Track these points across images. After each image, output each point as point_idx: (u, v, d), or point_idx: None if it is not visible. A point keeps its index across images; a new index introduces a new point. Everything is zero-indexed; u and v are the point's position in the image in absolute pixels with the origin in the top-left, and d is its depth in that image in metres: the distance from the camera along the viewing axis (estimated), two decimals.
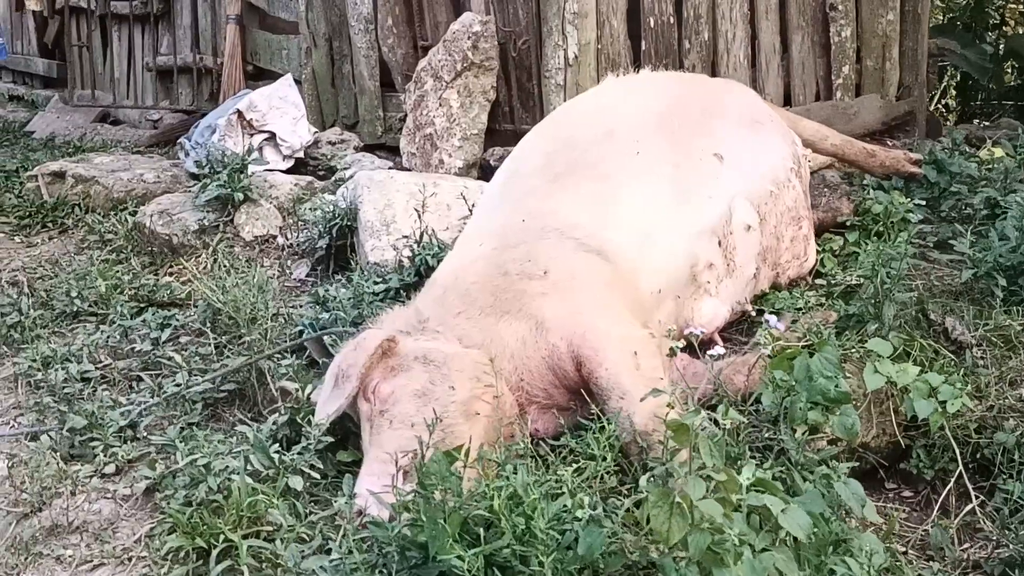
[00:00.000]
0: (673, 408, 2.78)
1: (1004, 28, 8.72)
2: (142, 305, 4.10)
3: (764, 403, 2.81)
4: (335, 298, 3.58)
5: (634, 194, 3.21)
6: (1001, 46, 8.37)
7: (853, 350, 3.19)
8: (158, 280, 4.35)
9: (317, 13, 5.88)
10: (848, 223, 4.06)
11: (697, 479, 2.02)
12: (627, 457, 2.73)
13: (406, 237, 3.89)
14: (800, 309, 3.40)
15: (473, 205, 3.85)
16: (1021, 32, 8.60)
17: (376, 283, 3.66)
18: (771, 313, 2.91)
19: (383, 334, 2.86)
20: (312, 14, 5.90)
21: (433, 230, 3.84)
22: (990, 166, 4.73)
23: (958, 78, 8.39)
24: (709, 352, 2.66)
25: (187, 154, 5.56)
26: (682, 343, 2.68)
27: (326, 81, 5.94)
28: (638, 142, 3.32)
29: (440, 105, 4.74)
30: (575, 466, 2.60)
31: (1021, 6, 8.98)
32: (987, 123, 7.23)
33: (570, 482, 2.34)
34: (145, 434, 3.10)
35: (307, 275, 4.37)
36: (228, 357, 3.44)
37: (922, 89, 5.75)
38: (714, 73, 5.12)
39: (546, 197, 3.20)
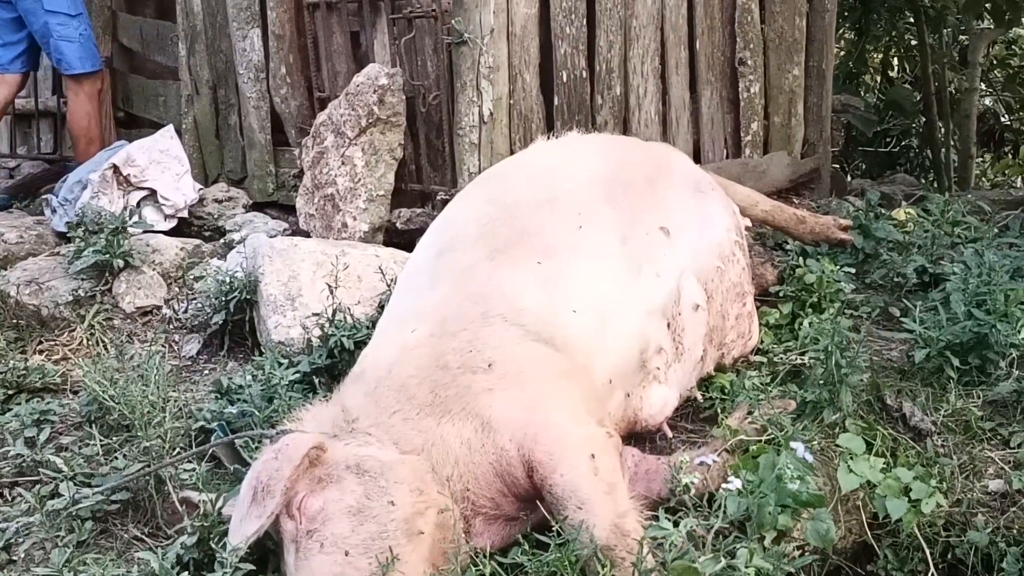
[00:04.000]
0: (636, 519, 2.54)
1: (887, 76, 8.88)
2: (10, 392, 3.59)
3: (730, 509, 2.58)
4: (240, 387, 3.18)
5: (582, 273, 2.90)
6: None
7: (813, 441, 2.98)
8: (27, 360, 3.84)
9: (200, 59, 5.42)
10: (780, 293, 3.87)
11: None
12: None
13: (316, 315, 3.51)
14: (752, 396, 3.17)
15: (392, 280, 3.50)
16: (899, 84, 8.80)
17: (285, 367, 3.26)
18: (796, 442, 2.68)
19: (309, 440, 2.49)
20: (194, 59, 5.44)
21: (348, 307, 3.48)
22: (907, 229, 4.65)
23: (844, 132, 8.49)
24: (701, 459, 2.45)
25: (54, 211, 5.02)
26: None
27: (210, 132, 5.49)
28: (581, 214, 3.04)
29: (343, 163, 4.37)
30: None
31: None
32: (873, 179, 7.29)
33: None
34: (23, 558, 2.65)
35: (198, 352, 3.95)
36: (117, 459, 2.99)
37: (826, 146, 5.69)
38: (625, 130, 4.92)
39: (487, 276, 2.85)
